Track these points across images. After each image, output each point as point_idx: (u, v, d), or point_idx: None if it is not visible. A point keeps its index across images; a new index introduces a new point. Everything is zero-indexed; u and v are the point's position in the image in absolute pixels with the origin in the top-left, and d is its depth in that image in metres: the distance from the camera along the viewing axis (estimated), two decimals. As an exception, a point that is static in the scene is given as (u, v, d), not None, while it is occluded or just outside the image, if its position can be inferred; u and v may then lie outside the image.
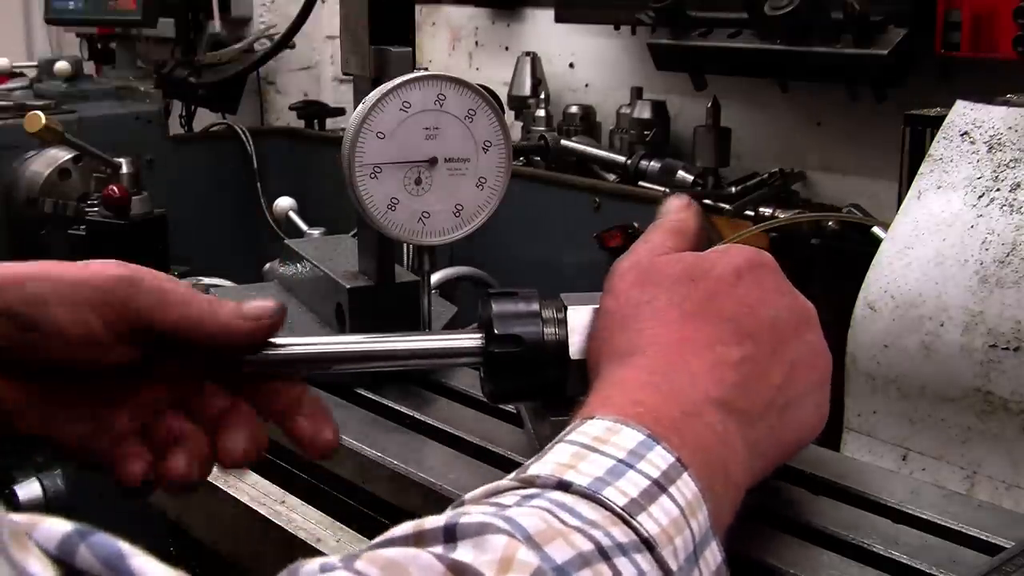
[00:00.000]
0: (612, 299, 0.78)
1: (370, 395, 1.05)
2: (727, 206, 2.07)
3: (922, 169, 1.21)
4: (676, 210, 0.85)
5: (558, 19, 2.57)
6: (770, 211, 2.05)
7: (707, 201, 2.14)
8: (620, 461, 0.61)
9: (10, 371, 0.70)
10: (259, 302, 0.75)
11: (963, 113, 1.20)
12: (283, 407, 0.76)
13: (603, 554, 0.55)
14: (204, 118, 3.33)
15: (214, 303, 0.72)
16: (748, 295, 0.74)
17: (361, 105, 0.98)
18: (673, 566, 0.58)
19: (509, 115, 2.66)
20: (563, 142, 2.50)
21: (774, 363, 0.73)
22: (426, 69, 1.00)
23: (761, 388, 0.72)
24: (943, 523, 0.78)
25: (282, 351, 0.77)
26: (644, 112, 2.40)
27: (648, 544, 0.58)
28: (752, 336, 0.73)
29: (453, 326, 1.18)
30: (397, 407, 1.02)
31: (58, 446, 0.73)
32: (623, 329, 0.75)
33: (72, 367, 0.70)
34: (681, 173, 2.27)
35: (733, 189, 2.13)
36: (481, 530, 0.53)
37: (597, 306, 0.80)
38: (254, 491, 0.99)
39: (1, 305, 0.67)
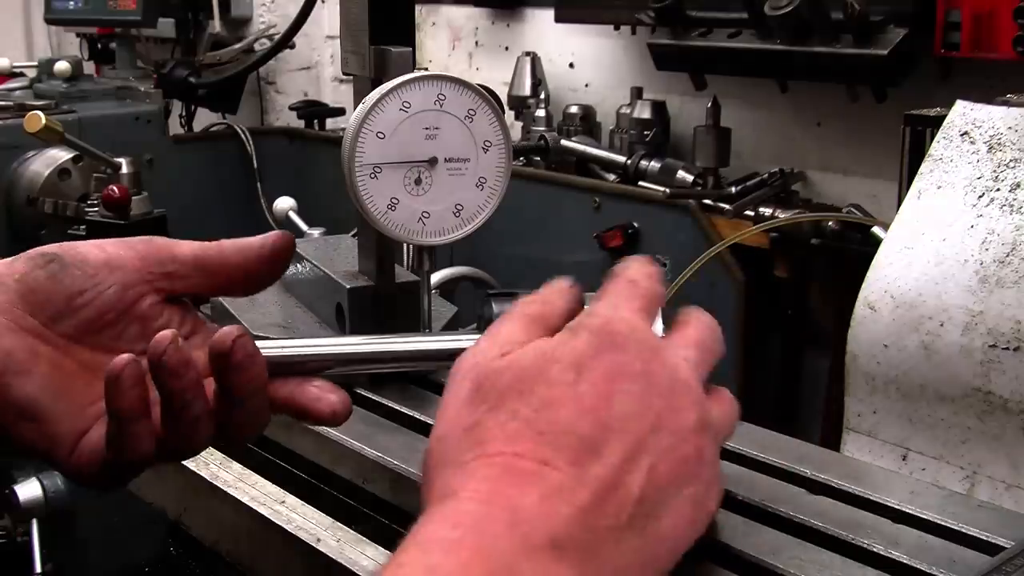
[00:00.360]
0: (442, 423, 0.67)
1: (370, 395, 1.05)
2: (727, 206, 2.07)
3: (922, 169, 1.21)
4: (553, 286, 0.75)
5: (558, 19, 2.57)
6: (770, 211, 2.05)
7: (707, 201, 2.14)
8: None
9: (34, 322, 0.75)
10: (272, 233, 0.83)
11: (963, 113, 1.20)
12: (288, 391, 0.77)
13: None
14: (204, 118, 3.33)
15: (214, 242, 0.82)
16: (591, 393, 0.64)
17: (361, 105, 0.98)
18: None
19: (509, 115, 2.66)
20: (563, 142, 2.50)
21: (629, 471, 0.62)
22: (426, 69, 1.00)
23: (612, 508, 0.61)
24: (943, 523, 0.78)
25: (280, 352, 0.77)
26: (644, 112, 2.41)
27: None
28: (597, 447, 0.62)
29: (453, 326, 1.17)
30: (397, 407, 1.02)
31: (35, 427, 0.74)
32: (443, 464, 0.64)
33: (89, 311, 0.76)
34: (681, 173, 2.27)
35: (733, 189, 2.13)
36: None
37: None
38: (254, 491, 0.99)
39: (34, 250, 0.77)
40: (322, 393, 0.76)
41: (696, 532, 0.66)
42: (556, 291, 0.74)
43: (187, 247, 0.81)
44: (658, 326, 0.73)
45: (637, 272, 0.73)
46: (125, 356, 0.71)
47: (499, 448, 0.63)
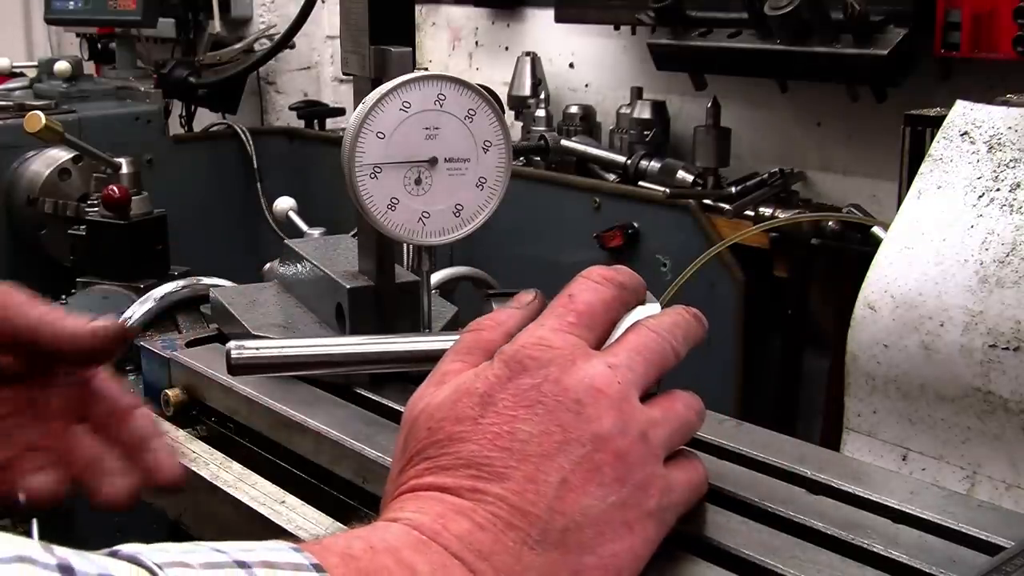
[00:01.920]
0: (389, 475, 0.72)
1: (370, 395, 1.05)
2: (727, 206, 2.07)
3: (922, 169, 1.21)
4: (513, 303, 0.77)
5: (558, 19, 2.57)
6: (770, 211, 2.05)
7: (707, 201, 2.14)
8: None
9: None
10: (108, 320, 0.80)
11: (963, 113, 1.20)
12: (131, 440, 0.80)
13: None
14: (204, 118, 3.33)
15: (69, 315, 0.79)
16: (495, 423, 0.67)
17: (361, 105, 0.98)
18: None
19: (509, 115, 2.66)
20: (563, 142, 2.50)
21: (536, 490, 0.64)
22: (426, 69, 1.00)
23: (520, 524, 0.63)
24: (943, 523, 0.78)
25: (279, 352, 0.77)
26: (644, 112, 2.41)
27: None
28: (499, 473, 0.65)
29: (453, 326, 1.17)
30: (397, 407, 1.02)
31: None
32: (383, 510, 0.68)
33: None
34: (681, 173, 2.27)
35: (733, 189, 2.13)
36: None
37: None
38: (254, 491, 0.99)
39: None
40: (158, 467, 0.80)
41: (637, 537, 0.66)
42: (506, 313, 0.76)
43: (28, 314, 0.79)
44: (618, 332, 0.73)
45: (577, 284, 0.74)
46: None
47: (409, 486, 0.67)
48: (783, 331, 2.07)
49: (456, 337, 0.77)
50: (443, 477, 0.66)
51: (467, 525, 0.63)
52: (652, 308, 0.76)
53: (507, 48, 2.89)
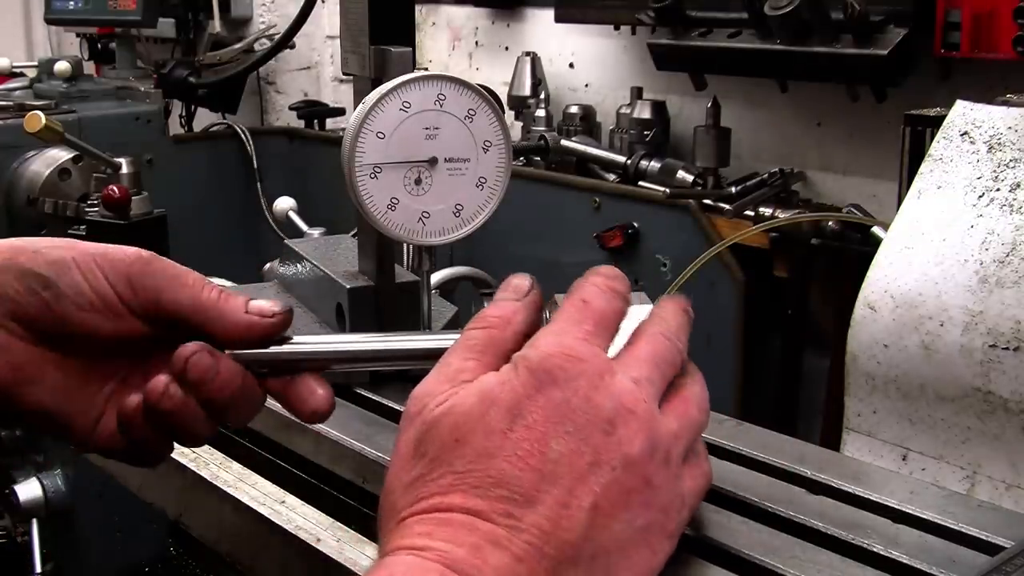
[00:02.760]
0: (389, 475, 0.68)
1: (370, 395, 1.05)
2: (727, 206, 2.07)
3: (922, 169, 1.21)
4: (511, 294, 0.74)
5: (558, 19, 2.57)
6: (770, 211, 2.05)
7: (707, 201, 2.14)
8: None
9: (30, 335, 0.75)
10: (264, 302, 0.77)
11: (963, 113, 1.20)
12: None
13: None
14: (204, 118, 3.33)
15: (223, 296, 0.76)
16: (526, 439, 0.64)
17: (361, 105, 0.98)
18: None
19: (509, 115, 2.66)
20: (563, 142, 2.50)
21: (569, 516, 0.63)
22: (426, 69, 1.00)
23: (552, 552, 0.62)
24: (943, 523, 0.78)
25: (281, 349, 0.77)
26: (644, 112, 2.41)
27: None
28: (532, 497, 0.63)
29: (453, 326, 1.17)
30: (397, 407, 1.02)
31: (52, 424, 0.77)
32: (388, 518, 0.66)
33: (85, 334, 0.75)
34: (681, 173, 2.27)
35: (733, 189, 2.13)
36: None
37: None
38: (254, 491, 0.99)
39: (26, 266, 0.77)
40: (309, 394, 0.76)
41: (658, 558, 0.66)
42: (511, 307, 0.73)
43: (175, 298, 0.76)
44: (629, 327, 0.72)
45: (590, 290, 0.72)
46: (135, 400, 0.74)
47: (433, 503, 0.64)
48: (783, 331, 2.07)
49: (455, 335, 0.75)
50: (474, 499, 0.63)
51: (506, 559, 0.61)
52: (644, 309, 0.75)
53: (507, 48, 2.89)
